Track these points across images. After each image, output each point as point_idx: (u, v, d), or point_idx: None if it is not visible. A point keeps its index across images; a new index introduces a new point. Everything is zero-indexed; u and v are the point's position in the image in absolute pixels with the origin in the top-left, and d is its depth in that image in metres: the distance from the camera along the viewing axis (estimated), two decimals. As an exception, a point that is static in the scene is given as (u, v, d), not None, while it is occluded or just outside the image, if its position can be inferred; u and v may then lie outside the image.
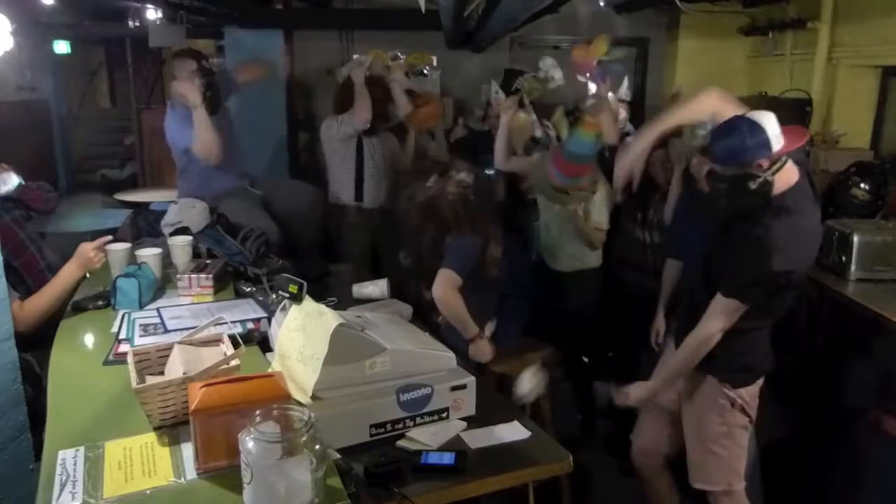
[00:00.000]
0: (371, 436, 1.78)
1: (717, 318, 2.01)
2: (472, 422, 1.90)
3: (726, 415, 2.16)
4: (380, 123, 3.88)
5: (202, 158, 3.38)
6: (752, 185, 1.90)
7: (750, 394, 2.16)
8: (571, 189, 2.97)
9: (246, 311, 2.34)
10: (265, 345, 2.08)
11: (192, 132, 3.32)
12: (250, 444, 1.18)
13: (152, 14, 4.93)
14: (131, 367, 1.61)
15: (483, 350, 2.55)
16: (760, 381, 2.17)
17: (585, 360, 3.52)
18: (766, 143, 1.86)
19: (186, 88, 3.29)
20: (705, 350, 2.05)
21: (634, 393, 2.25)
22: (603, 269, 3.28)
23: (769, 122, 1.88)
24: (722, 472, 2.20)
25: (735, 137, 1.88)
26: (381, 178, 3.91)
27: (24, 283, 2.67)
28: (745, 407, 2.15)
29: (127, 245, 2.68)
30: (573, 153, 2.85)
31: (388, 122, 4.01)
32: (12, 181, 2.90)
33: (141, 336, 2.10)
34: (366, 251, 3.95)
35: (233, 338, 1.72)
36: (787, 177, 1.94)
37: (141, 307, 2.35)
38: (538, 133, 3.77)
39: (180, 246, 2.69)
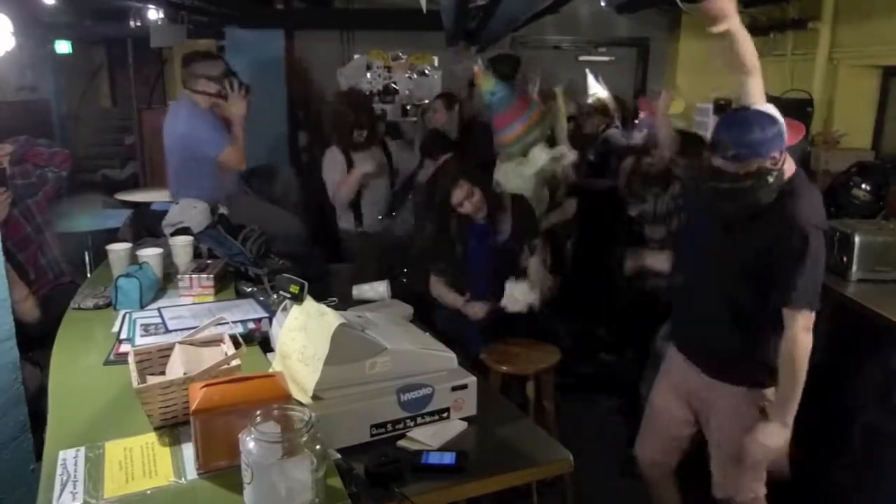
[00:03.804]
0: (372, 436, 1.77)
1: (807, 332, 1.90)
2: (473, 422, 1.90)
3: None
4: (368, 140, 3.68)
5: (233, 166, 3.22)
6: (770, 179, 1.85)
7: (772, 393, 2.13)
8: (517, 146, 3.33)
9: (247, 311, 2.34)
10: (266, 345, 2.07)
11: (221, 138, 3.16)
12: (251, 445, 1.18)
13: (153, 14, 4.94)
14: (132, 367, 1.61)
15: (475, 309, 2.79)
16: None
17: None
18: (781, 134, 1.84)
19: (239, 106, 3.18)
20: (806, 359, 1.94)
21: (777, 443, 2.00)
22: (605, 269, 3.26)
23: (777, 113, 1.87)
24: (747, 481, 2.16)
25: (754, 130, 1.83)
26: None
27: (27, 275, 2.68)
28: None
29: (128, 245, 2.68)
30: (489, 105, 3.45)
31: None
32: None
33: (142, 336, 2.10)
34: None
35: (234, 338, 1.72)
36: (790, 166, 1.94)
37: (142, 307, 2.35)
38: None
39: (181, 246, 2.69)
